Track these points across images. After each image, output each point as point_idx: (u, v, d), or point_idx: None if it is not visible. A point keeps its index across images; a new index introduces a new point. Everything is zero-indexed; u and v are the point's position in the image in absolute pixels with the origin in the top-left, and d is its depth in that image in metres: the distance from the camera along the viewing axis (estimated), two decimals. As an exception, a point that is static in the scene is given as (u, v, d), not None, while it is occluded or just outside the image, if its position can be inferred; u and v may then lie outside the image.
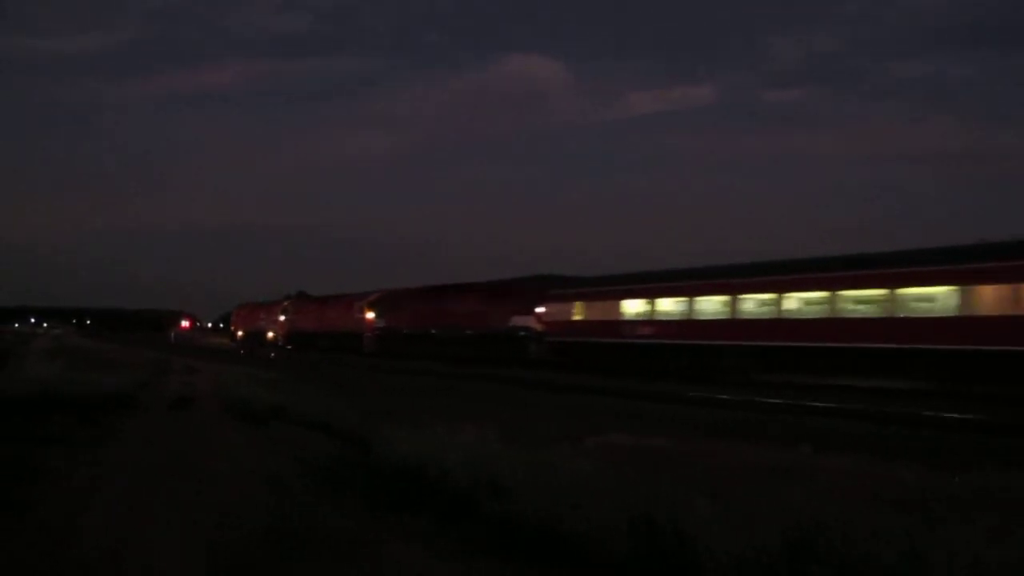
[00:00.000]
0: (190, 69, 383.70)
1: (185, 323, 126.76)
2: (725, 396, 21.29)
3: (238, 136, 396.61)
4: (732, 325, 28.77)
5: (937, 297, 23.34)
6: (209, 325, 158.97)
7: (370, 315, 52.97)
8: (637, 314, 33.34)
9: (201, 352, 54.26)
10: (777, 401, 19.99)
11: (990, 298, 22.24)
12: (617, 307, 34.45)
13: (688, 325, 30.58)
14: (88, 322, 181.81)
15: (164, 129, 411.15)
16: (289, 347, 63.13)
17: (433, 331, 45.96)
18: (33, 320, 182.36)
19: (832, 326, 25.75)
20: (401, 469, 8.00)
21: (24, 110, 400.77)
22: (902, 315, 24.16)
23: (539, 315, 38.77)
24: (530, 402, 19.89)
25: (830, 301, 26.25)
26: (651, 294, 32.78)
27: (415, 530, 6.71)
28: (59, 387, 16.32)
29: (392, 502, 7.39)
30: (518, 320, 40.19)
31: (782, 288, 27.64)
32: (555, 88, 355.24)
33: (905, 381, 23.37)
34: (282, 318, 69.51)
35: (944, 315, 22.90)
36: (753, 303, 28.56)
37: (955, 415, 16.45)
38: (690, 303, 30.75)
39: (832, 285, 26.20)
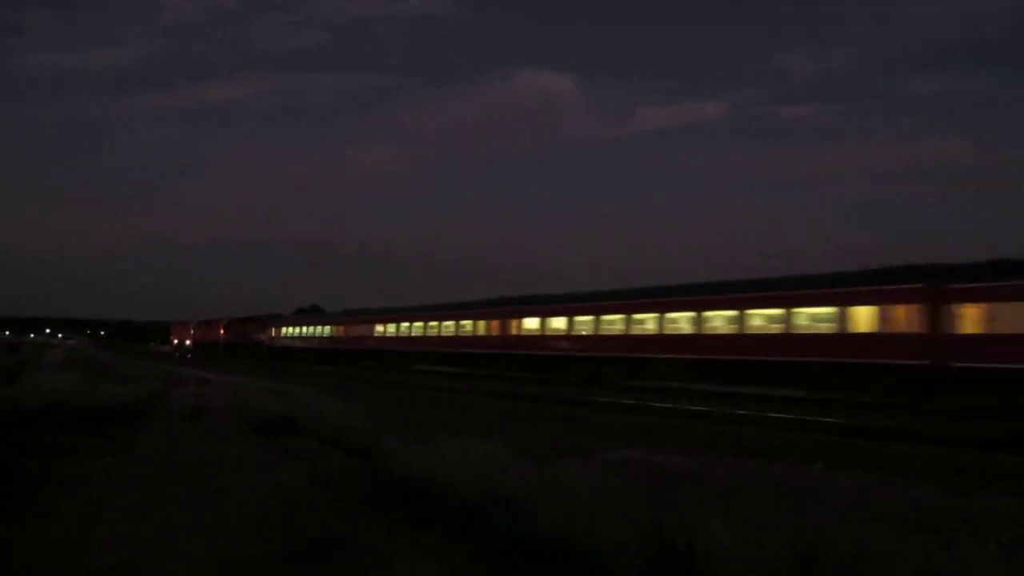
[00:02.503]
0: (207, 84, 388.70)
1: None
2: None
3: (254, 150, 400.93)
4: (306, 339, 69.03)
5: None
6: None
7: (223, 332, 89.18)
8: (288, 334, 72.52)
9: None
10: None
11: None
12: (280, 331, 74.42)
13: (308, 338, 68.36)
14: (102, 333, 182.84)
15: (180, 143, 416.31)
16: (195, 350, 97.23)
17: (241, 341, 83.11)
18: (48, 331, 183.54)
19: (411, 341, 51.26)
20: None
21: (40, 124, 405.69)
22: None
23: (266, 333, 76.79)
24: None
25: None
26: (292, 324, 73.93)
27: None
28: (74, 399, 16.40)
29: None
30: (262, 336, 78.11)
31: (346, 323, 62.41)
32: (566, 103, 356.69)
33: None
34: (192, 332, 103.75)
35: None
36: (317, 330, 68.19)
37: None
38: (302, 330, 70.07)
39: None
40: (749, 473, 9.16)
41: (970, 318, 22.18)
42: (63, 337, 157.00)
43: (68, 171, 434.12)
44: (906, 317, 23.78)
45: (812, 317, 26.63)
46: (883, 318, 24.40)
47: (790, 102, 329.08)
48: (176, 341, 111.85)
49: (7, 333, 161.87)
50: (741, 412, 20.61)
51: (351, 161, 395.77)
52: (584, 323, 36.29)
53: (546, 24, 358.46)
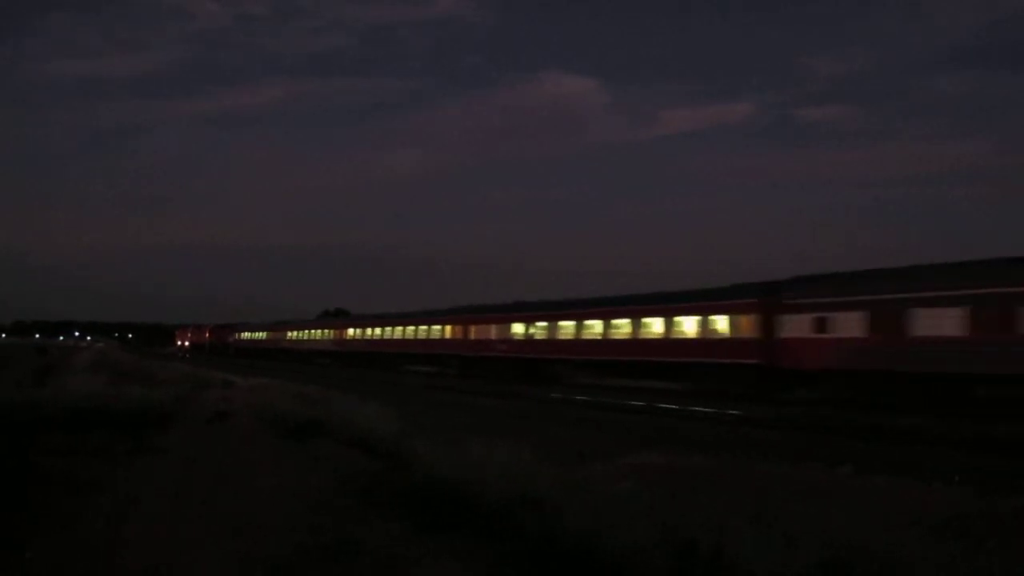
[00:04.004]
0: (231, 89, 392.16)
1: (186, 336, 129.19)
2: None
3: (278, 156, 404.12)
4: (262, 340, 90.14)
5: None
6: None
7: (208, 335, 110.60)
8: (244, 337, 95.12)
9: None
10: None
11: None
12: (240, 335, 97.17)
13: (253, 340, 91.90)
14: (130, 336, 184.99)
15: (206, 149, 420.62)
16: (191, 351, 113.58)
17: (219, 343, 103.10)
18: (77, 334, 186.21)
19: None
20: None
21: (68, 130, 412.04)
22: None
23: (233, 337, 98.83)
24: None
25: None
26: (244, 330, 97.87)
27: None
28: (102, 401, 16.58)
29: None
30: (230, 339, 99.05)
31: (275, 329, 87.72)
32: (590, 107, 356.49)
33: None
34: (189, 334, 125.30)
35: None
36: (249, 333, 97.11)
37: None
38: (255, 334, 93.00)
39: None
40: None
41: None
42: (91, 340, 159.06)
43: (96, 176, 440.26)
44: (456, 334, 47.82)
45: (434, 331, 50.53)
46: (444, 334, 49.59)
47: (814, 103, 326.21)
48: (179, 343, 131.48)
49: (37, 336, 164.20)
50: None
51: (376, 165, 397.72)
52: (362, 332, 62.44)
53: (570, 27, 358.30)
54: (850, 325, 23.65)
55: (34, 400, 16.59)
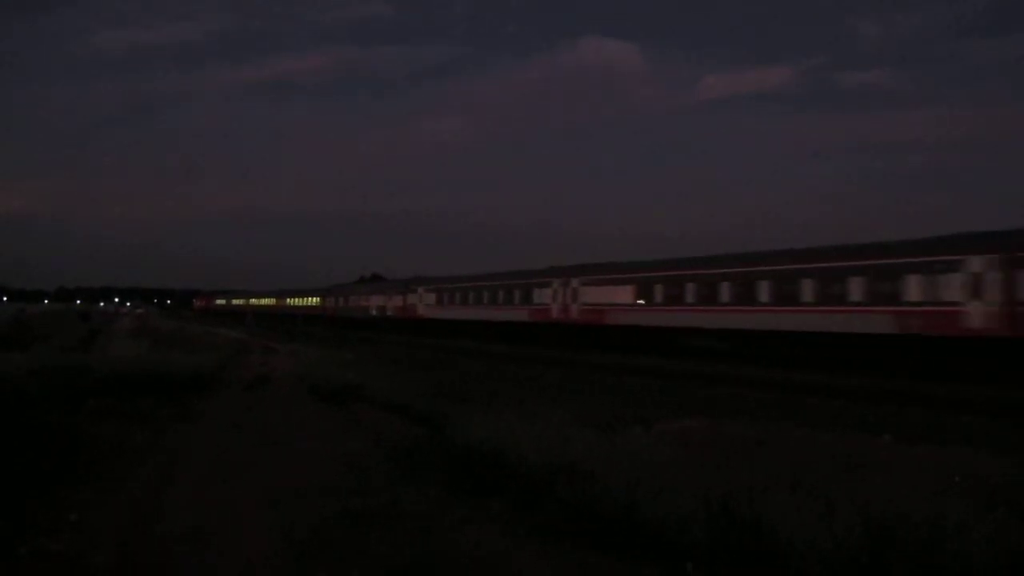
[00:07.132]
0: (273, 58, 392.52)
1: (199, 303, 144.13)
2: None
3: (319, 123, 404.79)
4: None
5: None
6: None
7: (204, 302, 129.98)
8: (218, 303, 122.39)
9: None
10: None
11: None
12: (216, 301, 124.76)
13: (221, 305, 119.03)
14: (168, 302, 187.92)
15: (247, 117, 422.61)
16: (201, 314, 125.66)
17: (209, 307, 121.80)
18: (117, 300, 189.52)
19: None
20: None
21: (110, 101, 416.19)
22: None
23: (213, 302, 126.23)
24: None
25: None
26: (218, 297, 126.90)
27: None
28: (144, 366, 16.84)
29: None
30: (212, 304, 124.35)
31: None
32: (631, 72, 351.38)
33: None
34: (201, 299, 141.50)
35: None
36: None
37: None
38: (219, 301, 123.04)
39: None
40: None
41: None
42: (131, 306, 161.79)
43: (138, 145, 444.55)
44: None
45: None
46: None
47: (858, 67, 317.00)
48: (197, 308, 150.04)
49: (79, 302, 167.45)
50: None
51: (417, 133, 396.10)
52: (271, 301, 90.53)
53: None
54: (359, 302, 62.65)
55: (80, 366, 16.89)
